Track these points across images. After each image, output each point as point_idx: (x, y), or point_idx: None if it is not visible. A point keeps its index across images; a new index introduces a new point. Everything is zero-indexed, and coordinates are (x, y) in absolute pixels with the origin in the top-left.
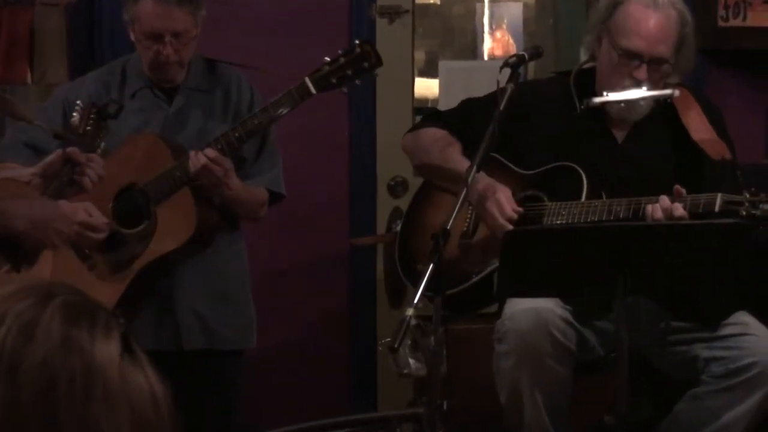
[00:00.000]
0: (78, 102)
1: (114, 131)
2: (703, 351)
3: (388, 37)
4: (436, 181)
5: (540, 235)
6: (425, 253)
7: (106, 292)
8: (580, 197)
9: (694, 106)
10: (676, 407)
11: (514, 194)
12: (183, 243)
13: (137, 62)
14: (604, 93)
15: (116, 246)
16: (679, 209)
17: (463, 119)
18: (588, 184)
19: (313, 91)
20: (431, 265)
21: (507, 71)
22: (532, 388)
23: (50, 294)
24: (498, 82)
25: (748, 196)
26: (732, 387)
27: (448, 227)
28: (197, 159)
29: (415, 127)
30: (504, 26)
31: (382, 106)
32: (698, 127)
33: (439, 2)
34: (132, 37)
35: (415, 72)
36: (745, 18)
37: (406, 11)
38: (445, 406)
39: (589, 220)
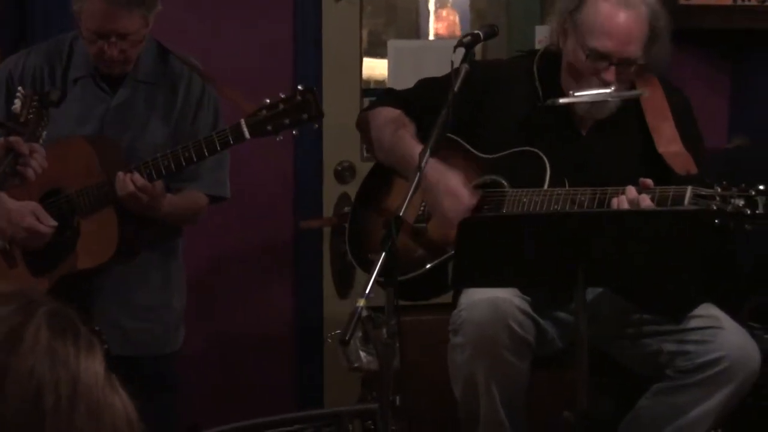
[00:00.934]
0: (20, 89)
1: (53, 118)
2: (668, 345)
3: (334, 16)
4: (387, 163)
5: (498, 223)
6: (375, 239)
7: None
8: (542, 184)
9: (661, 103)
10: (639, 403)
11: (473, 179)
12: (101, 263)
13: (83, 45)
14: (570, 92)
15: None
16: (646, 200)
17: (419, 99)
18: (551, 170)
19: (247, 135)
20: (383, 254)
21: (461, 51)
22: (488, 381)
23: (33, 301)
24: (452, 62)
25: (719, 190)
26: (699, 382)
27: (401, 214)
28: (125, 185)
29: (369, 106)
30: (449, 5)
31: (329, 88)
32: (665, 134)
33: None
34: (79, 26)
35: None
36: None
37: None
38: (397, 402)
39: (551, 208)
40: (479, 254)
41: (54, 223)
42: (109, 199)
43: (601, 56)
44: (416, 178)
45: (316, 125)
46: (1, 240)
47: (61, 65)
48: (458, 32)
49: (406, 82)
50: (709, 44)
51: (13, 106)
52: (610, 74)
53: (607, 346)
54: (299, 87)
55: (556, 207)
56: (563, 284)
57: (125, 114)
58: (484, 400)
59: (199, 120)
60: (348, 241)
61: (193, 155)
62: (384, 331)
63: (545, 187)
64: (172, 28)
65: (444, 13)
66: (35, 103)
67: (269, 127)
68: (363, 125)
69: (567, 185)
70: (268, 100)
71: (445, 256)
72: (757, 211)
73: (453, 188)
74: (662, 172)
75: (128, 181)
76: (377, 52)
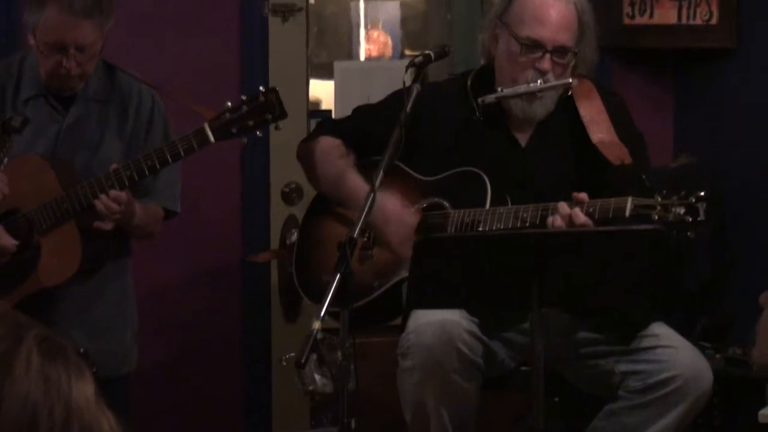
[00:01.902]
0: None
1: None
2: (619, 365)
3: (281, 36)
4: (328, 193)
5: (454, 243)
6: (324, 265)
7: None
8: (484, 204)
9: (595, 98)
10: (591, 424)
11: (414, 202)
12: (65, 279)
13: (34, 62)
14: (498, 89)
15: None
16: (579, 216)
17: (357, 128)
18: (492, 189)
19: (212, 139)
20: (338, 275)
21: (412, 71)
22: (438, 405)
23: (20, 325)
24: (404, 82)
25: (659, 199)
26: (651, 402)
27: (355, 236)
28: (108, 206)
29: (308, 137)
30: (380, 26)
31: None
32: (597, 125)
33: (312, 1)
34: (31, 41)
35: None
36: (652, 15)
37: (300, 9)
38: (353, 425)
39: (495, 227)
40: (435, 275)
41: (14, 241)
42: (69, 214)
43: (535, 44)
44: (369, 201)
45: (280, 127)
46: None
47: (11, 87)
48: (389, 53)
49: (353, 103)
50: (653, 63)
51: None
52: (545, 62)
53: (559, 367)
54: (261, 88)
55: (499, 226)
56: (517, 305)
57: (79, 133)
58: (435, 423)
59: (151, 135)
60: (295, 271)
61: (157, 163)
62: (339, 353)
63: (487, 206)
64: (114, 48)
65: (375, 34)
66: None
67: (234, 130)
68: (303, 156)
69: (509, 203)
70: (229, 103)
71: (393, 281)
72: (698, 219)
73: (392, 212)
74: (598, 164)
75: (110, 203)
76: (312, 73)
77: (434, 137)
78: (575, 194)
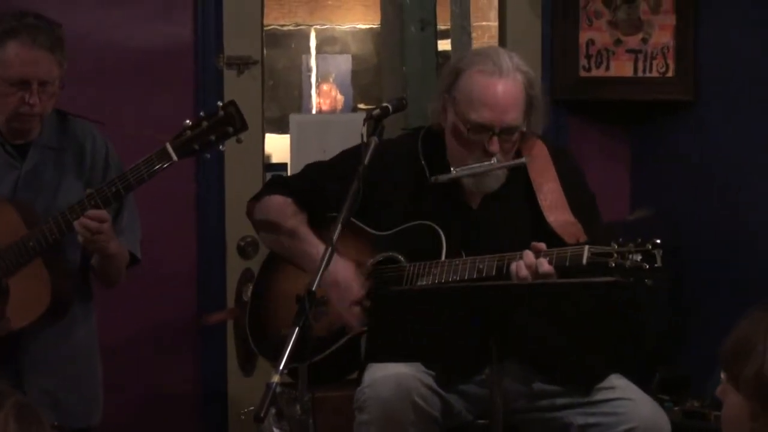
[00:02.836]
0: None
1: None
2: (577, 417)
3: (236, 89)
4: (280, 252)
5: (408, 296)
6: (278, 321)
7: None
8: (439, 256)
9: (546, 163)
10: None
11: (368, 257)
12: (37, 318)
13: None
14: (452, 169)
15: None
16: (544, 265)
17: (309, 185)
18: (447, 242)
19: (175, 157)
20: (296, 329)
21: (371, 124)
22: None
23: (2, 393)
24: (362, 135)
25: (616, 246)
26: None
27: (314, 289)
28: (87, 226)
29: (258, 195)
30: (331, 79)
31: (231, 163)
32: (552, 202)
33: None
34: None
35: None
36: (608, 68)
37: (256, 62)
38: None
39: (451, 279)
40: (390, 328)
41: None
42: (36, 251)
43: (481, 128)
44: (327, 254)
45: (241, 139)
46: None
47: None
48: (340, 107)
49: (310, 157)
50: (610, 116)
51: None
52: (493, 145)
53: (516, 419)
54: (219, 102)
55: (455, 277)
56: (477, 357)
57: (37, 178)
58: None
59: (108, 177)
60: (249, 329)
61: (121, 189)
62: (298, 407)
63: (443, 258)
64: (71, 100)
65: (326, 87)
66: None
67: (196, 146)
68: (253, 214)
69: (464, 255)
70: (189, 121)
71: (349, 336)
72: (655, 265)
73: (341, 280)
74: (553, 242)
75: (88, 221)
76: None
77: (388, 194)
78: (534, 243)
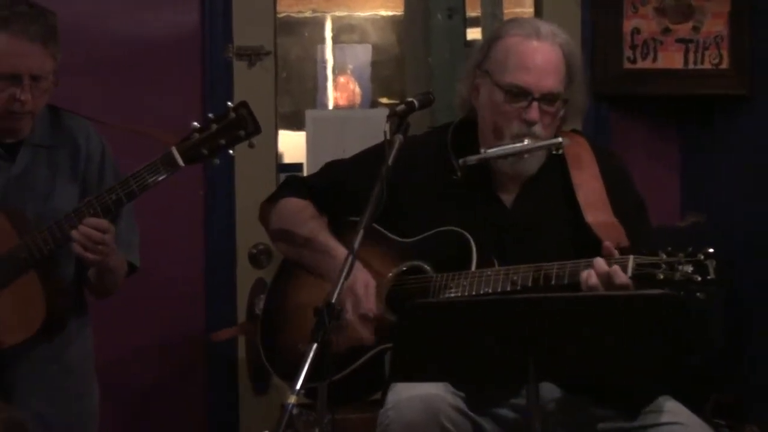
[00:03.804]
0: None
1: None
2: None
3: (247, 82)
4: (298, 258)
5: (437, 309)
6: (294, 337)
7: None
8: (469, 266)
9: (589, 162)
10: None
11: (392, 267)
12: (29, 336)
13: None
14: (482, 150)
15: None
16: (620, 274)
17: (328, 186)
18: (477, 250)
19: (181, 163)
20: (314, 345)
21: (395, 121)
22: None
23: None
24: (385, 133)
25: (664, 256)
26: None
27: (333, 301)
28: (88, 234)
29: (272, 197)
30: (349, 72)
31: (242, 164)
32: (593, 201)
33: None
34: None
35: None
36: (655, 59)
37: (268, 53)
38: None
39: (482, 291)
40: (417, 345)
41: None
42: (29, 264)
43: (520, 91)
44: (347, 263)
45: (253, 144)
46: None
47: None
48: (358, 101)
49: (327, 156)
50: (657, 112)
51: None
52: (533, 112)
53: None
54: (229, 103)
55: (487, 290)
56: (511, 378)
57: (28, 182)
58: None
59: (105, 178)
60: (262, 345)
61: (123, 197)
62: (317, 430)
63: (473, 268)
64: (67, 94)
65: (343, 80)
66: None
67: (204, 151)
68: (267, 218)
69: (496, 264)
70: (196, 123)
71: (371, 353)
72: (708, 277)
73: (357, 289)
74: (591, 242)
75: (90, 231)
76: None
77: (412, 197)
78: (606, 244)
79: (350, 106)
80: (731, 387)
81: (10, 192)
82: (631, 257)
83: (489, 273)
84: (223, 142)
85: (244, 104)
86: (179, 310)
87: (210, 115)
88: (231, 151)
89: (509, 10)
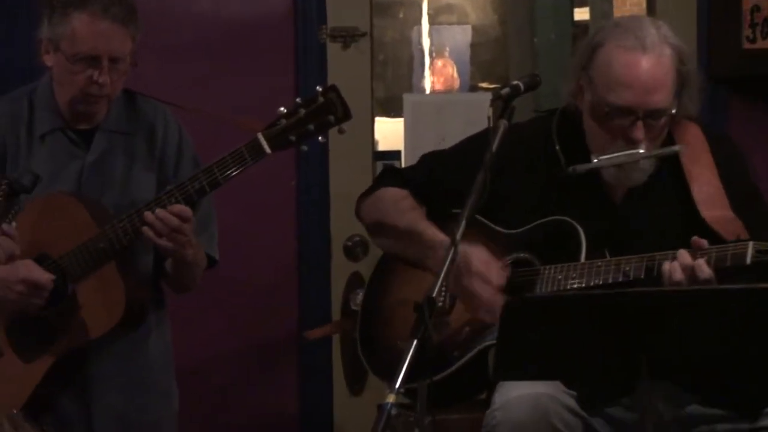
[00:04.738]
0: None
1: None
2: None
3: (341, 65)
4: (398, 251)
5: (547, 304)
6: (393, 335)
7: (14, 388)
8: (578, 258)
9: (701, 151)
10: None
11: (498, 259)
12: (110, 329)
13: (47, 94)
14: (593, 158)
15: (27, 331)
16: (704, 269)
17: (427, 178)
18: (587, 240)
19: (268, 150)
20: (415, 342)
21: (498, 105)
22: None
23: None
24: (489, 118)
25: None
26: None
27: (434, 295)
28: (168, 219)
29: (368, 190)
30: (446, 54)
31: (336, 152)
32: (708, 196)
33: None
34: (48, 60)
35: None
36: None
37: (363, 34)
38: None
39: (593, 284)
40: (526, 341)
41: (50, 275)
42: (108, 255)
43: (623, 112)
44: (449, 256)
45: (344, 129)
46: None
47: (23, 124)
48: (456, 86)
49: (426, 143)
50: None
51: None
52: (637, 131)
53: None
54: (318, 87)
55: (598, 282)
56: (625, 376)
57: (104, 170)
58: None
59: (182, 166)
60: (359, 342)
61: (206, 186)
62: None
63: (582, 259)
64: (157, 78)
65: (440, 64)
66: (4, 188)
67: (292, 137)
68: (364, 211)
69: (608, 256)
70: (283, 108)
71: (475, 350)
72: None
73: (476, 268)
74: (708, 238)
75: (168, 216)
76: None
77: (518, 186)
78: (695, 239)
79: (447, 91)
80: None
81: (86, 180)
82: (750, 243)
83: (599, 264)
84: (311, 127)
85: (333, 88)
86: (271, 306)
87: (298, 99)
88: (321, 138)
89: None
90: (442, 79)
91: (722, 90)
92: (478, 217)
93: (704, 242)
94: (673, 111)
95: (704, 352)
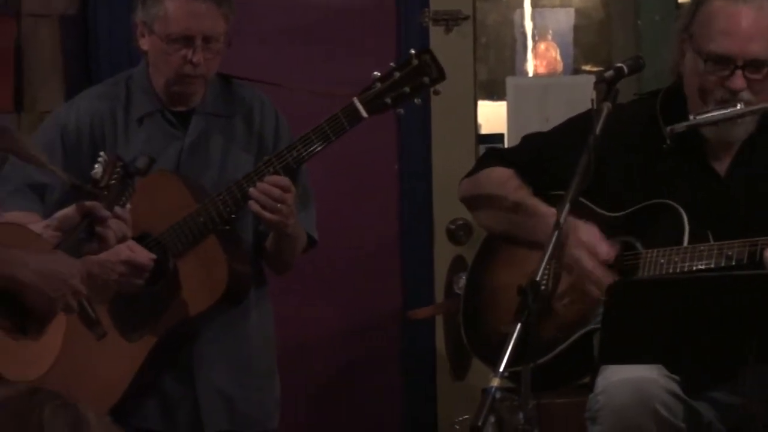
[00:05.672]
0: (101, 153)
1: None
2: None
3: (444, 49)
4: (504, 230)
5: (653, 287)
6: (497, 318)
7: (119, 369)
8: (680, 241)
9: None
10: None
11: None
12: (213, 304)
13: (143, 79)
14: (690, 116)
15: (129, 310)
16: None
17: (529, 159)
18: (690, 224)
19: (364, 114)
20: (518, 325)
21: (602, 88)
22: None
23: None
24: (592, 101)
25: None
26: None
27: (539, 278)
28: (268, 190)
29: (472, 171)
30: (549, 37)
31: (439, 135)
32: None
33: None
34: (144, 44)
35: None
36: None
37: (466, 18)
38: None
39: (695, 268)
40: (630, 325)
41: (151, 255)
42: (208, 228)
43: (721, 60)
44: (554, 237)
45: (439, 90)
46: (72, 302)
47: (121, 108)
48: (559, 69)
49: (529, 126)
50: None
51: (94, 171)
52: (737, 80)
53: None
54: (412, 50)
55: (701, 266)
56: (730, 359)
57: (202, 151)
58: None
59: (281, 147)
60: (463, 325)
61: (304, 153)
62: (521, 416)
63: (685, 243)
64: (259, 63)
65: (543, 47)
66: (119, 170)
67: (388, 100)
68: (469, 192)
69: (711, 239)
70: (378, 73)
71: (579, 333)
72: None
73: (587, 238)
74: None
75: (270, 188)
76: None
77: (620, 168)
78: None
79: (550, 75)
80: None
81: (184, 161)
82: None
83: (702, 248)
84: (407, 89)
85: (427, 51)
86: (374, 289)
87: (392, 63)
88: (416, 100)
89: None
90: (545, 63)
91: None
92: (581, 199)
93: None
94: None
95: None
